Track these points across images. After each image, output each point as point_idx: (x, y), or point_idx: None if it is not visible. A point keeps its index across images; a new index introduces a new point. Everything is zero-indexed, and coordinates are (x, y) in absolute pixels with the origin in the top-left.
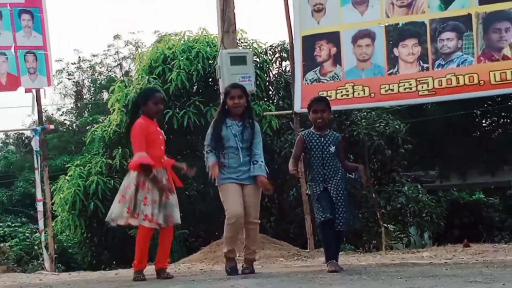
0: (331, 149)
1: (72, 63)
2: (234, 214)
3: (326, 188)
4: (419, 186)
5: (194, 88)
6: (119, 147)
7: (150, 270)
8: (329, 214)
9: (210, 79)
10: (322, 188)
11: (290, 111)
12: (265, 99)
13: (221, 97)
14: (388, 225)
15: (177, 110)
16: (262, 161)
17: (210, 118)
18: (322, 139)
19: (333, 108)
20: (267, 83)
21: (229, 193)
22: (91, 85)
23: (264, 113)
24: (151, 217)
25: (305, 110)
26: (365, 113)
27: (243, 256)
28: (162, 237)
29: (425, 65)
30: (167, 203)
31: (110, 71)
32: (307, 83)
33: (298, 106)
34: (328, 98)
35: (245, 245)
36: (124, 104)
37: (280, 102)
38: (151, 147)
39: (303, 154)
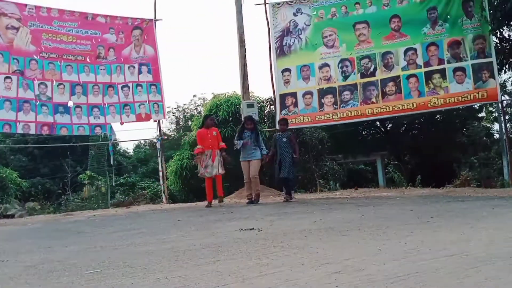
0: (284, 140)
1: (174, 108)
2: (246, 177)
3: (282, 161)
4: (334, 162)
5: (230, 118)
6: (174, 155)
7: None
8: (280, 174)
9: (238, 114)
10: (277, 162)
11: (274, 128)
12: (262, 123)
13: (242, 121)
14: (320, 181)
15: (223, 128)
16: (262, 148)
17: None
18: (282, 136)
19: (293, 127)
20: (264, 116)
21: (244, 167)
22: (183, 118)
23: (262, 129)
24: (205, 171)
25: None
26: (310, 129)
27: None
28: (217, 181)
29: (336, 106)
30: (213, 165)
31: (191, 111)
32: (282, 115)
33: (277, 126)
34: (290, 121)
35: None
36: (199, 125)
37: (269, 124)
38: (204, 140)
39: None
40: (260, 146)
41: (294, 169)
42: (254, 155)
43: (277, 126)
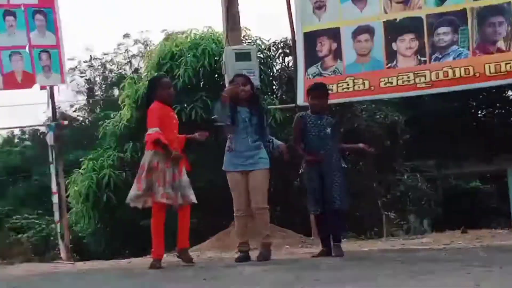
0: (327, 130)
1: (84, 62)
2: (240, 207)
3: (321, 173)
4: (418, 175)
5: (201, 83)
6: (130, 141)
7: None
8: (320, 208)
9: (216, 75)
10: (316, 173)
11: (293, 105)
12: (269, 94)
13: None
14: (389, 213)
15: (185, 105)
16: (271, 141)
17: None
18: (319, 121)
19: (334, 101)
20: (271, 78)
21: (234, 184)
22: (102, 82)
23: (268, 107)
24: (166, 196)
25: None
26: (365, 106)
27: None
28: (180, 217)
29: (423, 59)
30: (181, 182)
31: (120, 69)
32: (309, 78)
33: (301, 99)
34: (330, 91)
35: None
36: (134, 99)
37: (283, 96)
38: (165, 130)
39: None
40: (265, 139)
41: (347, 194)
42: (256, 160)
43: (302, 100)
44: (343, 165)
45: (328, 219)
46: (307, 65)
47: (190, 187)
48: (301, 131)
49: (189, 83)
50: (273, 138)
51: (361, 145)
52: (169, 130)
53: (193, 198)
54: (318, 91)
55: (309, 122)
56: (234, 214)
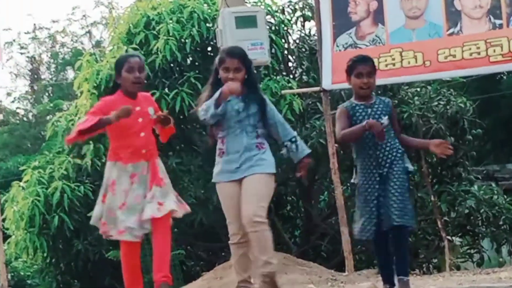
0: (383, 120)
1: (25, 33)
2: (236, 231)
3: (382, 184)
4: (494, 185)
5: (188, 60)
6: (91, 142)
7: None
8: (373, 232)
9: (209, 48)
10: (374, 183)
11: (318, 88)
12: (284, 73)
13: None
14: (453, 238)
15: (167, 90)
16: (289, 138)
17: None
18: (369, 110)
19: (377, 81)
20: (286, 52)
21: (227, 200)
22: (52, 61)
23: (283, 92)
24: (124, 230)
25: (337, 86)
26: (418, 89)
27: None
28: (155, 237)
29: (498, 22)
30: (156, 191)
31: (76, 42)
32: (339, 50)
33: (328, 80)
34: None
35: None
36: (95, 84)
37: (303, 76)
38: (124, 136)
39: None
40: (286, 136)
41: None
42: (254, 162)
43: (329, 82)
44: (409, 168)
45: (391, 241)
46: (336, 33)
47: (171, 193)
48: (349, 124)
49: (172, 60)
50: (291, 136)
51: (434, 141)
52: (131, 134)
53: (171, 205)
54: (365, 64)
55: (357, 114)
56: (229, 242)
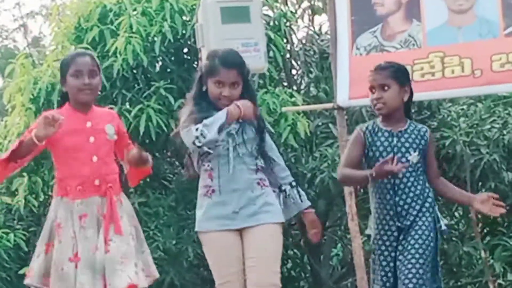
0: (410, 157)
1: None
2: (228, 277)
3: (401, 241)
4: None
5: (157, 65)
6: (24, 175)
7: None
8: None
9: (185, 50)
10: (391, 239)
11: (330, 105)
12: (285, 84)
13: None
14: None
15: (128, 106)
16: (294, 181)
17: None
18: (395, 140)
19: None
20: (289, 55)
21: (222, 254)
22: None
23: (283, 109)
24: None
25: (356, 102)
26: (464, 107)
27: None
28: None
29: None
30: (116, 249)
31: (6, 39)
32: (360, 54)
33: (344, 95)
34: None
35: None
36: (32, 96)
37: (311, 88)
38: (68, 159)
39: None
40: (277, 176)
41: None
42: (259, 207)
43: (346, 96)
44: (440, 225)
45: None
46: (356, 32)
47: (132, 251)
48: (360, 156)
49: (136, 65)
50: (291, 180)
51: (480, 196)
52: (78, 159)
53: (152, 272)
54: (376, 73)
55: (377, 143)
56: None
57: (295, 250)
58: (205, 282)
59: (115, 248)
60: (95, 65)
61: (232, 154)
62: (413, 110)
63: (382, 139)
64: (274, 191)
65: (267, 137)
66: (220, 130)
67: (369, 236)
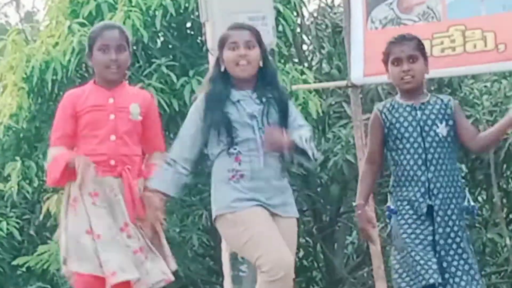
0: (438, 130)
1: None
2: (282, 263)
3: (429, 226)
4: None
5: (158, 41)
6: (17, 159)
7: None
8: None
9: (188, 24)
10: (423, 218)
11: (344, 82)
12: (296, 61)
13: (211, 54)
14: None
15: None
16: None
17: (191, 100)
18: (419, 113)
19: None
20: (299, 30)
21: (264, 224)
22: None
23: (294, 87)
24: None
25: (372, 79)
26: (488, 84)
27: None
28: None
29: None
30: (130, 241)
31: None
32: (375, 28)
33: (359, 72)
34: None
35: None
36: (25, 75)
37: (323, 65)
38: (86, 135)
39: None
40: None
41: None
42: (286, 198)
43: (361, 73)
44: (470, 207)
45: None
46: (371, 4)
47: (162, 251)
48: (380, 144)
49: (135, 41)
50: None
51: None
52: (95, 136)
53: (168, 269)
54: (404, 45)
55: (400, 119)
56: (263, 280)
57: (307, 238)
58: (211, 273)
59: (136, 238)
60: (124, 39)
61: (257, 137)
62: (432, 88)
63: (405, 114)
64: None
65: (291, 106)
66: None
67: (386, 222)
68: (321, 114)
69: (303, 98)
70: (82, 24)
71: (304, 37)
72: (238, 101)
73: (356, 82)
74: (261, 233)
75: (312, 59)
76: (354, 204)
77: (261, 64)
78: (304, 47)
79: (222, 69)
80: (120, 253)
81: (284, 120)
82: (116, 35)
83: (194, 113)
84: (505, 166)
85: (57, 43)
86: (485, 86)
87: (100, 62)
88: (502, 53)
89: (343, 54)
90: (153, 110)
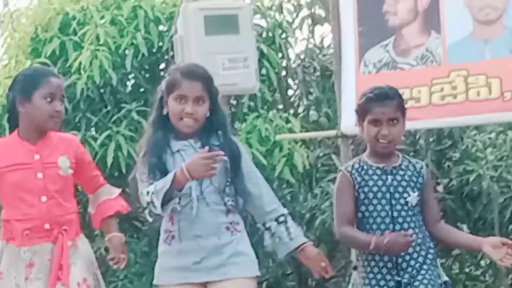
0: (409, 199)
1: None
2: None
3: None
4: None
5: (129, 84)
6: None
7: None
8: None
9: (161, 65)
10: None
11: (334, 132)
12: (280, 107)
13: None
14: None
15: (93, 132)
16: (286, 216)
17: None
18: (389, 178)
19: (426, 123)
20: (285, 73)
21: None
22: None
23: (278, 137)
24: None
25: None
26: (492, 135)
27: None
28: None
29: None
30: None
31: None
32: (368, 72)
33: (350, 120)
34: (414, 101)
35: None
36: None
37: (311, 112)
38: (14, 199)
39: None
40: (245, 206)
41: None
42: (226, 258)
43: (352, 123)
44: (443, 283)
45: None
46: (365, 45)
47: None
48: (353, 205)
49: (103, 84)
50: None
51: (492, 240)
52: (25, 199)
53: None
54: (386, 105)
55: (369, 183)
56: None
57: None
58: None
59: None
60: (62, 87)
61: (195, 193)
62: (431, 139)
63: (375, 177)
64: (257, 229)
65: (247, 163)
66: (165, 201)
67: None
68: (307, 167)
69: (288, 149)
70: (44, 64)
71: (290, 81)
72: (178, 151)
73: (346, 132)
74: None
75: (298, 105)
76: (370, 247)
77: (208, 114)
78: (290, 92)
79: (165, 112)
80: None
81: (233, 172)
82: (61, 84)
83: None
84: (511, 227)
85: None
86: (489, 138)
87: (45, 112)
88: (508, 101)
89: (333, 101)
90: (83, 154)
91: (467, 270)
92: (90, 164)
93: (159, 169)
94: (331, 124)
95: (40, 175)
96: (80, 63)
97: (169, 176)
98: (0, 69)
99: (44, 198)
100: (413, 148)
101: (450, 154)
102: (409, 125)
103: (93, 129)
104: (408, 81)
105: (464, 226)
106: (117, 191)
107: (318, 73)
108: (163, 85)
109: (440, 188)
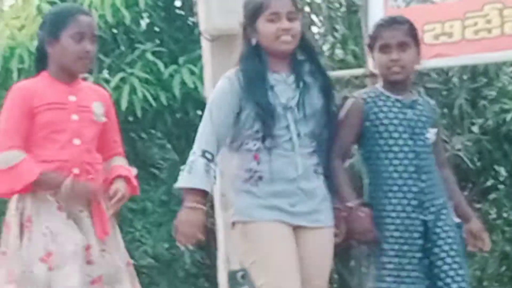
0: (428, 135)
1: None
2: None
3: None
4: None
5: (143, 23)
6: None
7: None
8: None
9: (177, 3)
10: (415, 236)
11: (361, 71)
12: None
13: (205, 38)
14: None
15: (106, 74)
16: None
17: (181, 93)
18: (409, 111)
19: (460, 60)
20: (309, 9)
21: (279, 246)
22: None
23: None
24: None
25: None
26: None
27: None
28: None
29: None
30: (105, 253)
31: None
32: (397, 6)
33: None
34: (447, 37)
35: None
36: None
37: (336, 50)
38: (44, 140)
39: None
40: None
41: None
42: (317, 206)
43: (372, 65)
44: (458, 223)
45: None
46: None
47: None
48: (353, 143)
49: (115, 23)
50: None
51: (474, 226)
52: (56, 141)
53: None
54: (395, 29)
55: (388, 114)
56: None
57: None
58: None
59: (111, 259)
60: (95, 29)
61: (294, 134)
62: (465, 77)
63: (395, 109)
64: None
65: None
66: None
67: None
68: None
69: None
70: (52, 3)
71: (314, 17)
72: (272, 87)
73: (375, 70)
74: (272, 256)
75: (323, 43)
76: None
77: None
78: (315, 29)
79: (254, 42)
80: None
81: (327, 112)
82: (92, 23)
83: (228, 93)
84: None
85: (23, 26)
86: None
87: (73, 52)
88: None
89: (360, 38)
90: (113, 110)
91: (505, 215)
92: (114, 125)
93: (267, 110)
94: (358, 62)
95: (75, 116)
96: (91, 2)
97: (190, 183)
98: (7, 9)
99: (77, 141)
100: (446, 87)
101: (485, 93)
102: (442, 62)
103: (106, 71)
104: (440, 15)
105: (502, 169)
106: (134, 170)
107: (343, 9)
108: (246, 12)
109: (475, 129)
